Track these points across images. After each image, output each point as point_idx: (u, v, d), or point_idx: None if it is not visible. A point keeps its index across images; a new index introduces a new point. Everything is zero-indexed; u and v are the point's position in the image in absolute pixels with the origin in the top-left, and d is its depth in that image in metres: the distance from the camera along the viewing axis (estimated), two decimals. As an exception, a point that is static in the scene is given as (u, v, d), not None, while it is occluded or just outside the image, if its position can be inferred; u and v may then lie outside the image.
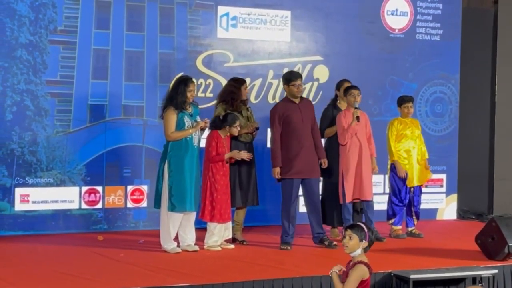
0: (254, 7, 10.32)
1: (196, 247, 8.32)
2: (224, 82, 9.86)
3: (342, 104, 9.31)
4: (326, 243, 8.65)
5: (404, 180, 9.54)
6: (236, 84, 8.92)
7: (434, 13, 11.36)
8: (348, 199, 8.98)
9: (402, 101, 9.66)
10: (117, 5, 9.64)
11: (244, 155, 8.58)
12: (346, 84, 9.31)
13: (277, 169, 8.55)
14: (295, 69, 10.45)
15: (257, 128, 8.97)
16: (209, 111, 9.50)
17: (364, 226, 5.68)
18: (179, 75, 9.16)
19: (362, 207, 9.25)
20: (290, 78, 8.63)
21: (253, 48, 10.37)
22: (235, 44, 10.27)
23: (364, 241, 5.63)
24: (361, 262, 5.61)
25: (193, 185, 8.27)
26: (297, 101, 8.65)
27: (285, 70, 10.40)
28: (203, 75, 10.07)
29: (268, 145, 10.25)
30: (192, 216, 8.34)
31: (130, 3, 9.71)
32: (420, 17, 11.29)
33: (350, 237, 5.62)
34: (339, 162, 9.03)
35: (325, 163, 8.78)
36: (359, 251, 5.64)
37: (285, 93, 8.82)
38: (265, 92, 10.37)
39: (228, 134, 8.56)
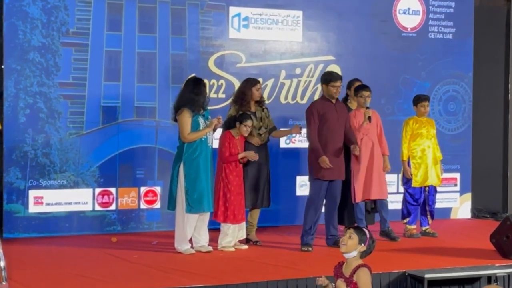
0: (265, 8, 10.31)
1: (210, 248, 8.32)
2: (236, 82, 9.86)
3: (353, 104, 9.29)
4: (341, 245, 8.62)
5: (409, 180, 9.51)
6: (247, 84, 8.91)
7: (446, 11, 11.32)
8: (358, 198, 8.97)
9: (419, 99, 9.63)
10: (128, 7, 9.65)
11: (256, 156, 8.56)
12: (357, 84, 9.29)
13: (324, 157, 8.43)
14: (307, 69, 10.45)
15: (274, 128, 8.97)
16: (221, 112, 9.49)
17: (367, 232, 5.52)
18: (192, 76, 9.15)
19: (372, 206, 9.23)
20: (330, 79, 8.65)
21: (265, 49, 10.36)
22: (247, 44, 10.26)
23: (363, 244, 5.44)
24: (363, 265, 5.44)
25: (209, 185, 8.28)
26: (333, 101, 8.68)
27: (297, 70, 10.45)
28: (215, 76, 10.06)
29: (282, 145, 10.27)
30: (207, 216, 8.35)
31: (142, 5, 9.72)
32: (433, 16, 11.25)
33: (350, 236, 5.45)
34: (351, 162, 9.02)
35: (355, 149, 8.70)
36: (354, 253, 5.44)
37: (322, 92, 8.80)
38: (277, 93, 10.36)
39: (240, 134, 8.55)
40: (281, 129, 9.44)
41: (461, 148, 11.37)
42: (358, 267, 5.40)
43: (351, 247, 5.43)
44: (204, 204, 8.21)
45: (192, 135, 8.17)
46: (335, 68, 10.40)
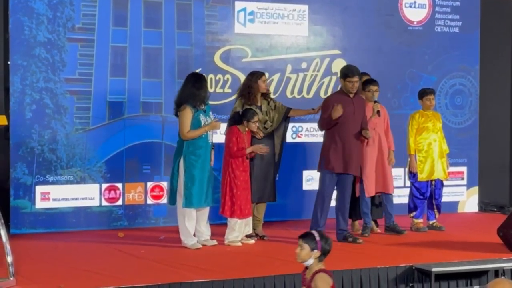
0: (271, 2, 10.29)
1: (215, 241, 8.34)
2: (242, 77, 9.84)
3: (362, 97, 9.30)
4: (351, 239, 8.60)
5: (415, 174, 9.49)
6: (252, 77, 8.88)
7: (452, 5, 11.29)
8: (371, 192, 8.96)
9: (424, 93, 9.61)
10: (134, 2, 9.65)
11: (263, 149, 8.56)
12: (365, 78, 9.28)
13: (336, 106, 8.37)
14: (313, 63, 10.44)
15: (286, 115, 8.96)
16: (227, 106, 9.49)
17: (316, 235, 5.36)
18: (197, 70, 9.16)
19: (381, 200, 9.23)
20: (348, 74, 8.60)
21: (271, 43, 10.34)
22: (253, 39, 10.25)
23: (315, 250, 5.30)
24: (320, 271, 5.30)
25: (210, 181, 8.31)
26: (351, 95, 8.64)
27: (303, 64, 10.44)
28: (221, 70, 10.06)
29: (288, 139, 10.20)
30: (207, 210, 8.36)
31: (147, 0, 9.72)
32: (439, 9, 11.22)
33: (301, 247, 5.32)
34: None
35: (365, 133, 8.67)
36: (311, 260, 5.32)
37: (341, 86, 8.79)
38: (283, 87, 10.35)
39: (247, 129, 8.55)
40: (299, 109, 9.29)
41: (468, 142, 11.35)
42: (315, 273, 5.30)
43: (305, 257, 5.33)
44: (203, 199, 8.23)
45: (191, 133, 8.18)
46: (341, 63, 10.38)
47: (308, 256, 5.31)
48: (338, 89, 9.92)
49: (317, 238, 5.32)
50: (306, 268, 5.41)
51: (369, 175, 9.00)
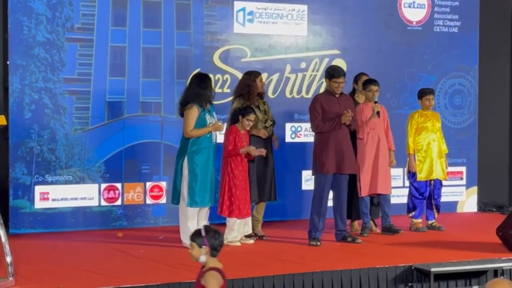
0: (270, 2, 10.28)
1: (213, 241, 8.33)
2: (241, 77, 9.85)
3: (360, 97, 9.30)
4: (350, 239, 8.60)
5: (414, 174, 9.49)
6: (250, 77, 8.88)
7: (451, 4, 11.29)
8: (364, 193, 8.97)
9: (423, 93, 9.61)
10: (133, 2, 9.65)
11: (258, 151, 8.53)
12: (364, 77, 9.28)
13: (343, 115, 8.44)
14: (312, 63, 10.44)
15: (274, 123, 8.96)
16: (226, 106, 9.49)
17: (202, 231, 5.24)
18: (196, 71, 9.18)
19: (379, 200, 9.23)
20: (333, 74, 8.59)
21: (270, 43, 10.34)
22: (252, 39, 10.25)
23: (204, 246, 5.18)
24: (210, 269, 5.18)
25: (213, 180, 8.32)
26: (337, 95, 8.64)
27: (303, 64, 10.44)
28: (220, 70, 10.06)
29: (287, 139, 10.26)
30: (207, 209, 8.36)
31: (147, 0, 9.71)
32: (438, 9, 11.22)
33: (191, 246, 5.21)
34: (356, 156, 9.01)
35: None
36: (203, 257, 5.19)
37: (326, 86, 8.79)
38: (282, 87, 10.35)
39: (245, 128, 8.52)
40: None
41: (467, 142, 11.35)
42: (206, 270, 5.20)
43: (196, 255, 5.21)
44: (207, 198, 8.24)
45: (194, 132, 8.19)
46: (340, 63, 10.38)
47: (199, 254, 5.20)
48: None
49: (203, 234, 5.22)
50: (204, 266, 5.30)
51: (367, 175, 9.00)
